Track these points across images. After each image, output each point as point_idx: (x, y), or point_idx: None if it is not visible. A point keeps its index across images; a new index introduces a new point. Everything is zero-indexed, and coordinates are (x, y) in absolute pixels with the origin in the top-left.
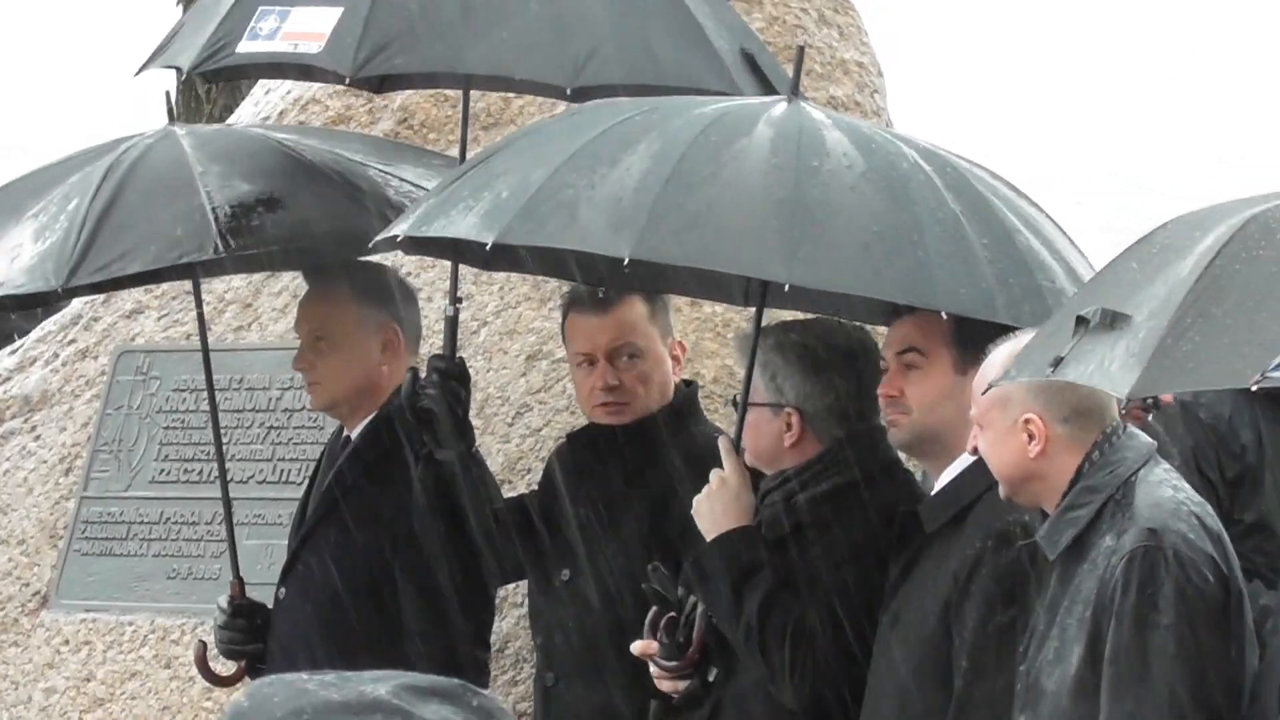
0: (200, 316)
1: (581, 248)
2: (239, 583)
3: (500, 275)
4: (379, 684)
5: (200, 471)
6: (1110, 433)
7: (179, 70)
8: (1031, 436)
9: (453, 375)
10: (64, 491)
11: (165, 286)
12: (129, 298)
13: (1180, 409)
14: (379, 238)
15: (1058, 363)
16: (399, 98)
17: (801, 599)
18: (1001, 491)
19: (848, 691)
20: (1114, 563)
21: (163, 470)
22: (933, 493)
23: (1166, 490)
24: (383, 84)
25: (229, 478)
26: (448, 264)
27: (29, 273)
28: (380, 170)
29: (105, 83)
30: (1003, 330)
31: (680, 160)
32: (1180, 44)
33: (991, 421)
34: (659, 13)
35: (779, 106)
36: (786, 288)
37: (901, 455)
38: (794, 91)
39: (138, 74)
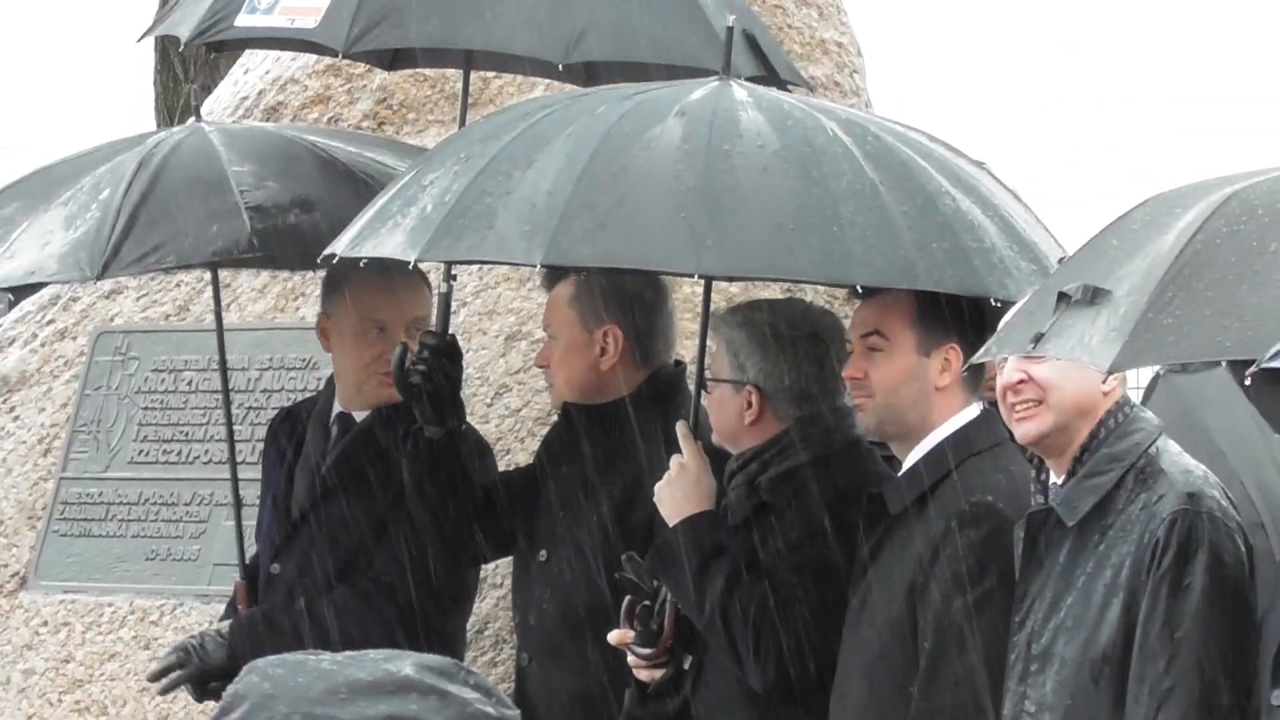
0: (218, 314)
1: (496, 259)
2: (249, 591)
3: None
4: (398, 662)
5: (179, 452)
6: (1122, 403)
7: (177, 40)
8: None
9: (444, 352)
10: (42, 472)
11: None
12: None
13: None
14: (323, 254)
15: (1038, 339)
16: (377, 78)
17: (764, 581)
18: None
19: (814, 672)
20: (1153, 527)
21: (141, 451)
22: (899, 474)
23: (1188, 461)
24: (394, 61)
25: (208, 459)
26: None
27: (61, 261)
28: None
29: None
30: (962, 313)
31: (592, 157)
32: (1161, 22)
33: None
34: None
35: (699, 90)
36: (695, 278)
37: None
38: (725, 70)
39: (140, 40)
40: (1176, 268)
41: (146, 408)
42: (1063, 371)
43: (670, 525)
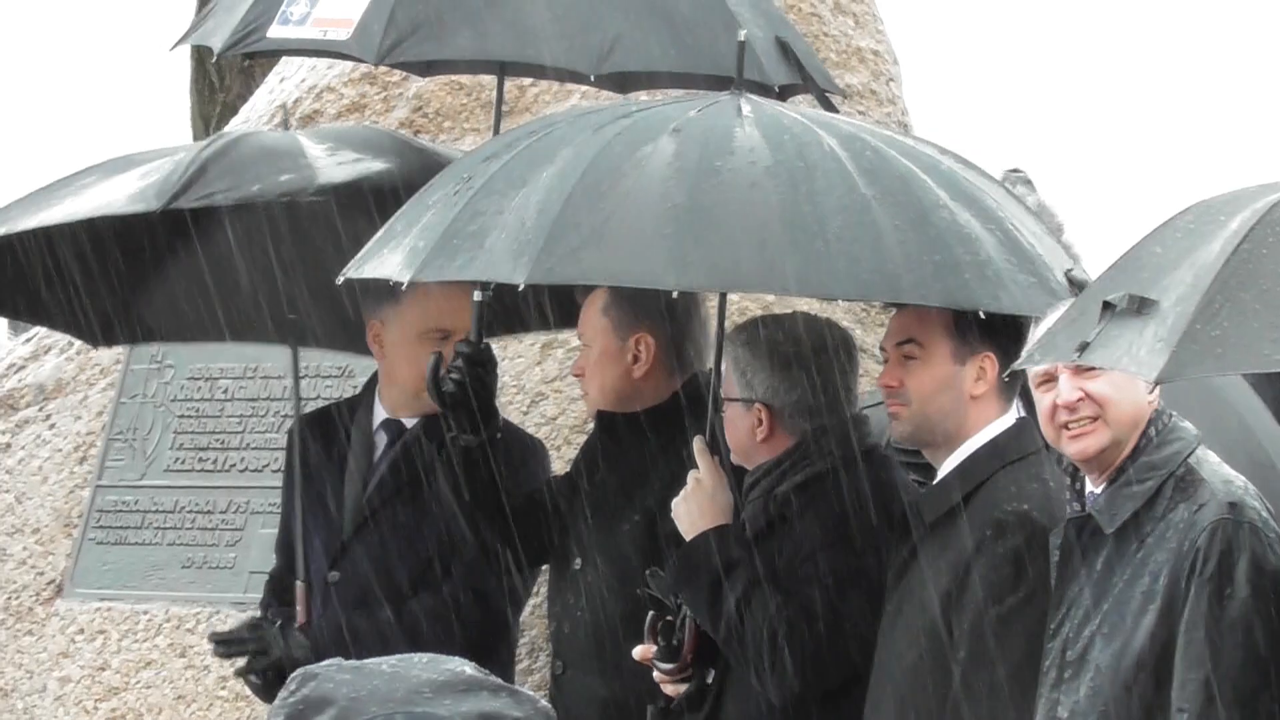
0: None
1: (485, 278)
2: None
3: None
4: (452, 664)
5: (215, 460)
6: (1161, 411)
7: (211, 50)
8: None
9: (478, 361)
10: (79, 480)
11: None
12: None
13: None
14: (340, 278)
15: (1084, 347)
16: (413, 86)
17: (780, 594)
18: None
19: (835, 682)
20: (1194, 535)
21: (178, 459)
22: (933, 483)
23: (1228, 471)
24: (429, 67)
25: (244, 467)
26: None
27: (130, 198)
28: None
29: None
30: (997, 321)
31: (583, 175)
32: (1204, 27)
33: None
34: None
35: (702, 105)
36: (675, 295)
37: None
38: (737, 83)
39: (174, 48)
40: (1223, 278)
41: (183, 416)
42: (1118, 386)
43: (687, 539)
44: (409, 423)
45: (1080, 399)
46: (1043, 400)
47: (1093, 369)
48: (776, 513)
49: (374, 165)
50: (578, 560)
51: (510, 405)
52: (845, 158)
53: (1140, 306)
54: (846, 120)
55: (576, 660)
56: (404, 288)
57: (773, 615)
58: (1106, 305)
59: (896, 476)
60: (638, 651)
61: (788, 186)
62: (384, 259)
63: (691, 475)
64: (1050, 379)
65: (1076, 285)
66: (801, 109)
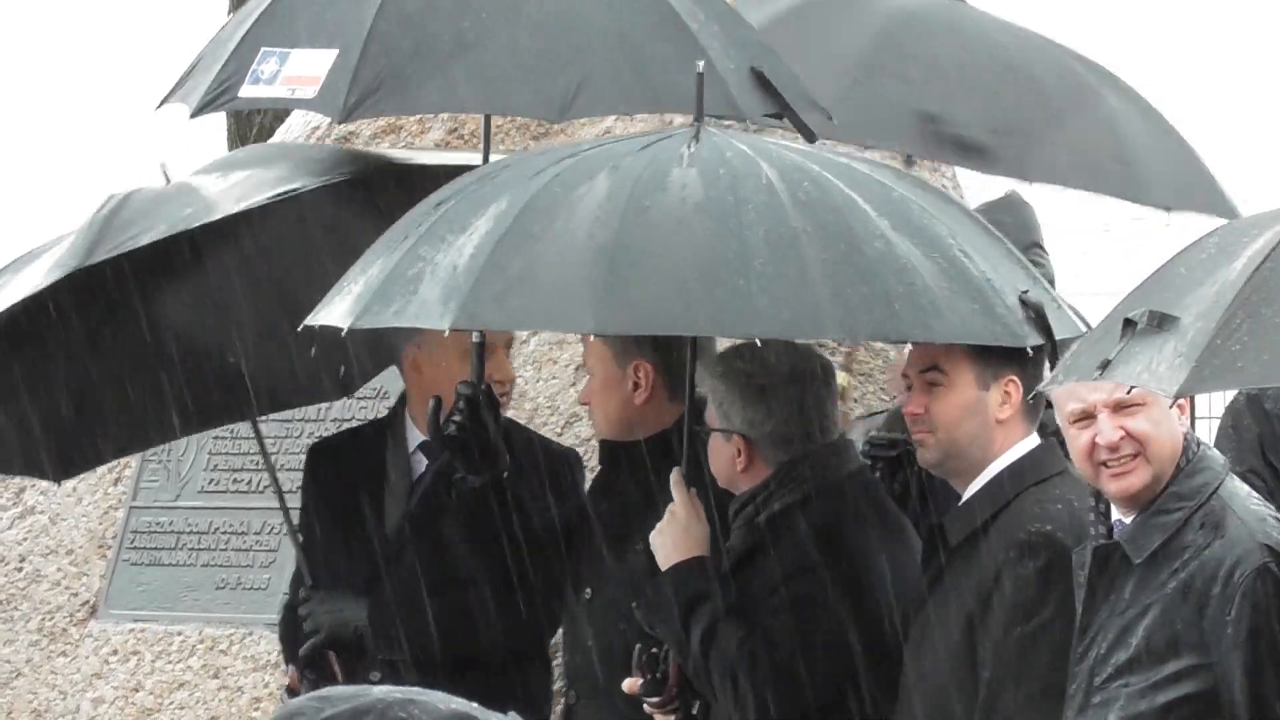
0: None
1: (415, 324)
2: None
3: None
4: (452, 701)
5: (249, 481)
6: (1190, 440)
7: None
8: None
9: (478, 401)
10: (113, 501)
11: None
12: None
13: (1246, 400)
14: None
15: (1105, 365)
16: None
17: (745, 626)
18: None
19: (805, 710)
20: (1223, 574)
21: (212, 480)
22: (958, 505)
23: (1255, 503)
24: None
25: (281, 487)
26: None
27: (48, 272)
28: None
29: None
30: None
31: (516, 218)
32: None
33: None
34: (659, 38)
35: (650, 142)
36: (592, 337)
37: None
38: (697, 118)
39: (159, 108)
40: (1245, 293)
41: (217, 436)
42: (1157, 423)
43: (661, 571)
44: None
45: (1122, 438)
46: (1078, 438)
47: (1131, 406)
48: (755, 542)
49: (269, 179)
50: (588, 590)
51: (545, 427)
52: (781, 189)
53: (1161, 323)
54: (798, 149)
55: (588, 690)
56: (343, 334)
57: (735, 648)
58: (1128, 323)
59: (883, 499)
60: (627, 684)
61: (716, 222)
62: (334, 305)
63: (669, 508)
64: (1087, 416)
65: (1030, 307)
66: (760, 138)
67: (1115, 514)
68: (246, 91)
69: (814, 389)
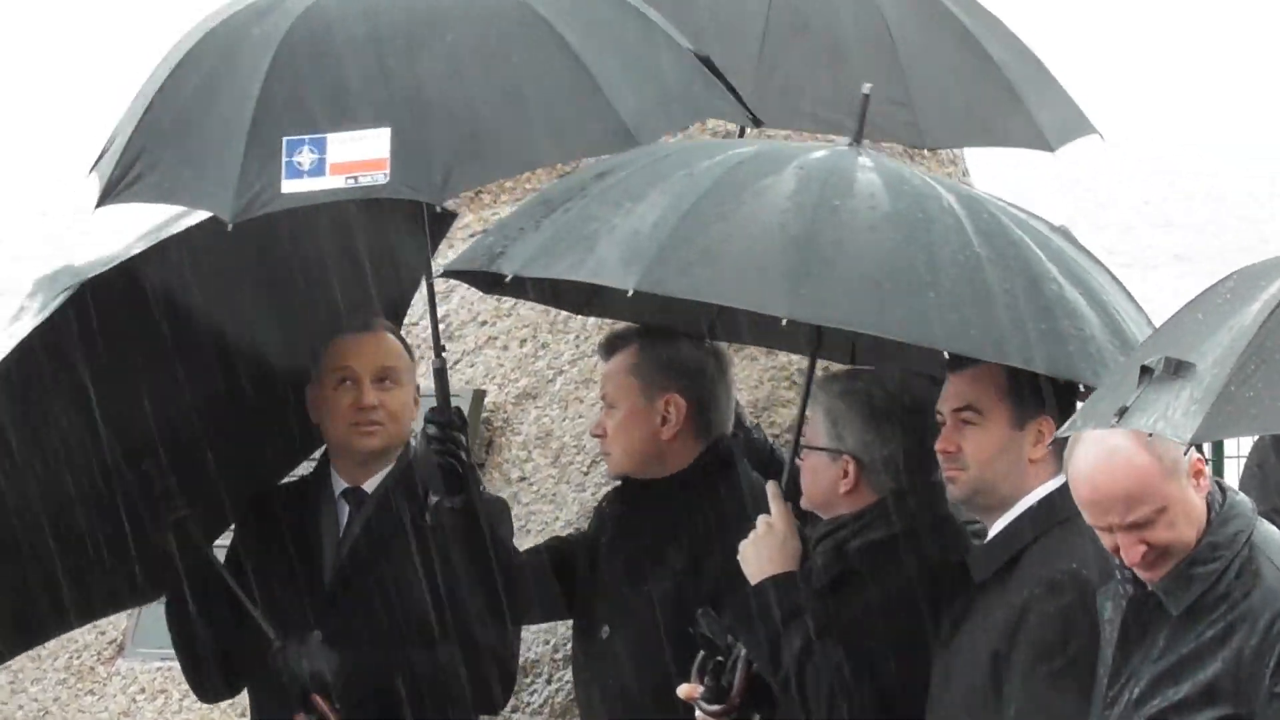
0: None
1: (591, 280)
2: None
3: (576, 322)
4: None
5: None
6: (1213, 491)
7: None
8: None
9: (450, 426)
10: None
11: None
12: None
13: (1272, 441)
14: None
15: (1122, 412)
16: None
17: (842, 649)
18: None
19: None
20: (1263, 624)
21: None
22: (983, 543)
23: None
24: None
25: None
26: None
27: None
28: None
29: None
30: (1053, 384)
31: (702, 196)
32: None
33: None
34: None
35: (824, 150)
36: (784, 323)
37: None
38: (857, 139)
39: (97, 208)
40: (1259, 340)
41: None
42: (1173, 524)
43: (753, 583)
44: (369, 487)
45: (1144, 552)
46: (1105, 540)
47: (1145, 523)
48: (847, 567)
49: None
50: (605, 629)
51: (570, 465)
52: (963, 215)
53: (1177, 369)
54: (965, 186)
55: None
56: (508, 279)
57: (834, 669)
58: (1144, 370)
59: (968, 545)
60: (683, 690)
61: (905, 234)
62: (508, 255)
63: (762, 519)
64: (1107, 530)
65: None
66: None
67: None
68: (291, 187)
69: (932, 425)
